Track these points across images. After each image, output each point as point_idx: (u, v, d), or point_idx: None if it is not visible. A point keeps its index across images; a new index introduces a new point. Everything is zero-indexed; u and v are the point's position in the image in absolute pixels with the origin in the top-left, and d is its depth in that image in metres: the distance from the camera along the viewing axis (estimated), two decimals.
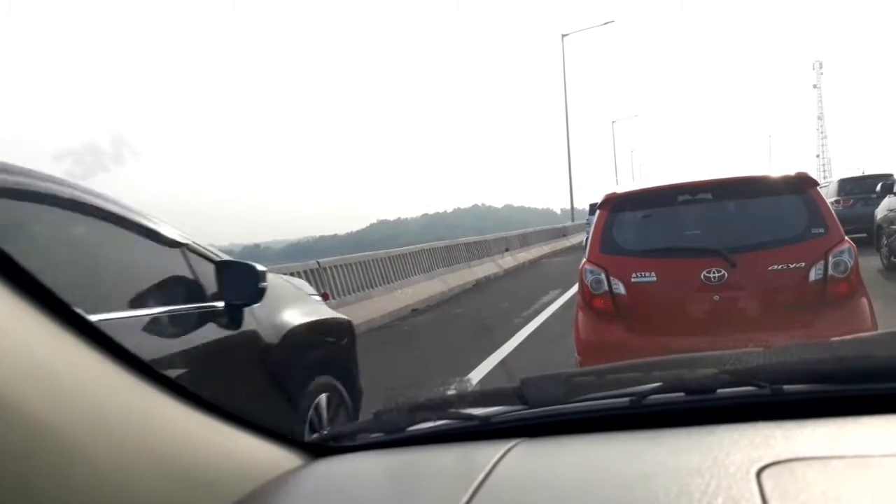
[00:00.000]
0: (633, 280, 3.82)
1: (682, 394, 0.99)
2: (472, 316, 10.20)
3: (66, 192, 2.01)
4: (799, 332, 3.43)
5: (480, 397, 1.13)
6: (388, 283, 10.94)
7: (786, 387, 0.96)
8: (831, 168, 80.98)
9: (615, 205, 4.09)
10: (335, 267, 9.63)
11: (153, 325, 2.19)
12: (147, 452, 0.68)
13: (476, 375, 5.93)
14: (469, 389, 1.17)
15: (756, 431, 0.83)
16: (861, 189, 14.66)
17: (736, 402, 0.98)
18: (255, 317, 2.72)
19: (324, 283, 9.13)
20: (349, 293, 9.69)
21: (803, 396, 0.96)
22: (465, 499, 0.73)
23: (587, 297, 3.97)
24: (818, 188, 3.82)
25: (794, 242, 3.66)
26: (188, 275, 2.48)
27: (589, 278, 3.95)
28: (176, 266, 2.44)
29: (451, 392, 1.17)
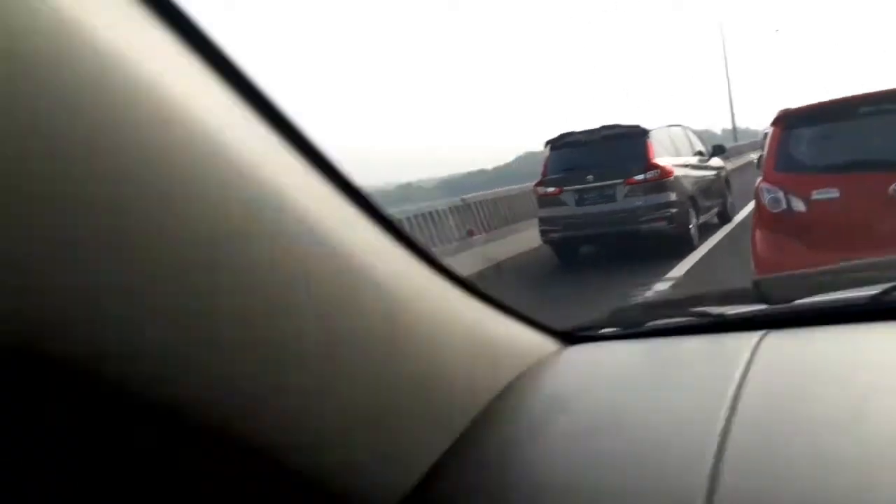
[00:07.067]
0: (814, 197, 3.69)
1: None
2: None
3: None
4: None
5: (714, 297, 1.14)
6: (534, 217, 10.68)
7: None
8: None
9: (790, 121, 4.00)
10: (480, 203, 9.54)
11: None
12: (450, 330, 0.74)
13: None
14: (700, 292, 1.20)
15: None
16: None
17: None
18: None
19: (469, 219, 9.07)
20: (496, 228, 9.58)
21: None
22: (734, 384, 0.71)
23: (765, 216, 3.95)
24: None
25: None
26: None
27: (766, 197, 3.89)
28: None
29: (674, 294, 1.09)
